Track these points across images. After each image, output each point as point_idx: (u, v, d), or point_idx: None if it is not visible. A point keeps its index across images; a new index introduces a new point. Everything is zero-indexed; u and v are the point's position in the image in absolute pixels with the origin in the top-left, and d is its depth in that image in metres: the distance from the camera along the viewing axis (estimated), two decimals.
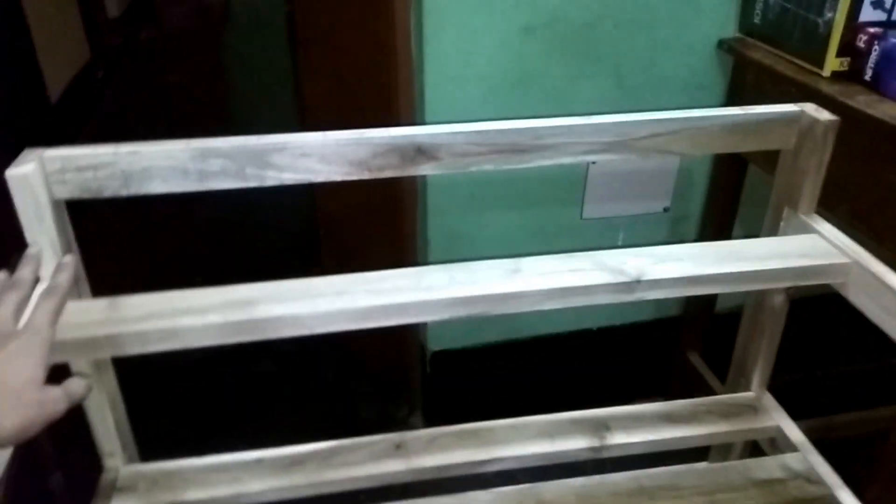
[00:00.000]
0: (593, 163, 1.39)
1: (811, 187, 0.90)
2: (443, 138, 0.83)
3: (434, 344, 1.59)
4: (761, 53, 1.24)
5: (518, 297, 0.78)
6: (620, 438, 0.99)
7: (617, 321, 1.64)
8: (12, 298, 0.61)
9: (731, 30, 1.32)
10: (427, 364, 1.63)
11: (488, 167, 0.85)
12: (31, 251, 0.67)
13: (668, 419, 1.01)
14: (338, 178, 0.83)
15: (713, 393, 1.54)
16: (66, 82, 2.94)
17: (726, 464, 1.01)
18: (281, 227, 2.46)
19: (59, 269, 0.68)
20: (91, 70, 3.30)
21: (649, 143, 0.87)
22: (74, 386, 0.61)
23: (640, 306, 1.65)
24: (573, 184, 1.42)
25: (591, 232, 1.47)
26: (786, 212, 0.94)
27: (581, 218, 1.46)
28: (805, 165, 0.89)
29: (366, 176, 0.84)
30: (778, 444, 1.01)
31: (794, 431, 1.00)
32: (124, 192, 0.79)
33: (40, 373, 0.57)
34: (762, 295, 1.01)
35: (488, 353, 1.60)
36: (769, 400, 1.05)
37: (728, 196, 1.43)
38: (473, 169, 0.85)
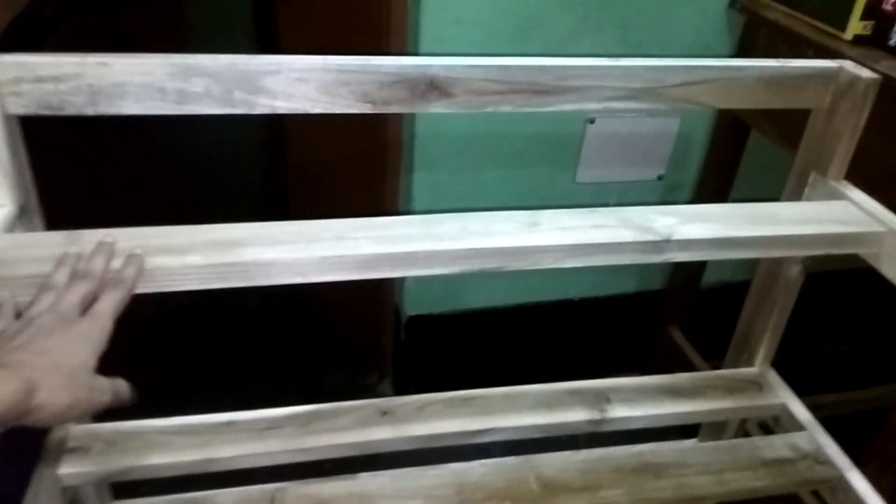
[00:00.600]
0: (592, 122, 1.32)
1: (843, 151, 0.84)
2: (459, 71, 0.74)
3: (410, 308, 1.51)
4: (777, 14, 1.18)
5: (537, 253, 0.70)
6: (621, 411, 0.93)
7: (599, 293, 1.58)
8: (82, 288, 0.60)
9: None
10: (401, 329, 1.55)
11: (506, 108, 0.77)
12: (105, 241, 0.63)
13: (669, 392, 0.96)
14: (338, 110, 0.73)
15: (694, 369, 1.51)
16: (8, 20, 2.72)
17: (734, 441, 0.96)
18: (242, 178, 2.32)
19: (128, 261, 0.62)
20: (38, 7, 3.06)
21: (680, 92, 0.80)
22: (121, 386, 0.60)
23: (623, 278, 1.59)
24: (569, 145, 1.35)
25: (583, 197, 1.41)
26: (812, 177, 0.88)
27: (574, 182, 1.38)
28: (840, 127, 0.83)
29: (368, 110, 0.75)
30: (782, 422, 0.97)
31: (800, 410, 0.96)
32: (90, 111, 0.68)
33: (93, 359, 0.57)
34: (777, 265, 0.96)
35: (467, 319, 1.53)
36: (774, 376, 1.00)
37: (726, 165, 1.38)
38: (489, 109, 0.77)
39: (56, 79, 0.66)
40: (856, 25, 1.06)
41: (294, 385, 1.65)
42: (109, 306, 0.60)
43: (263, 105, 0.72)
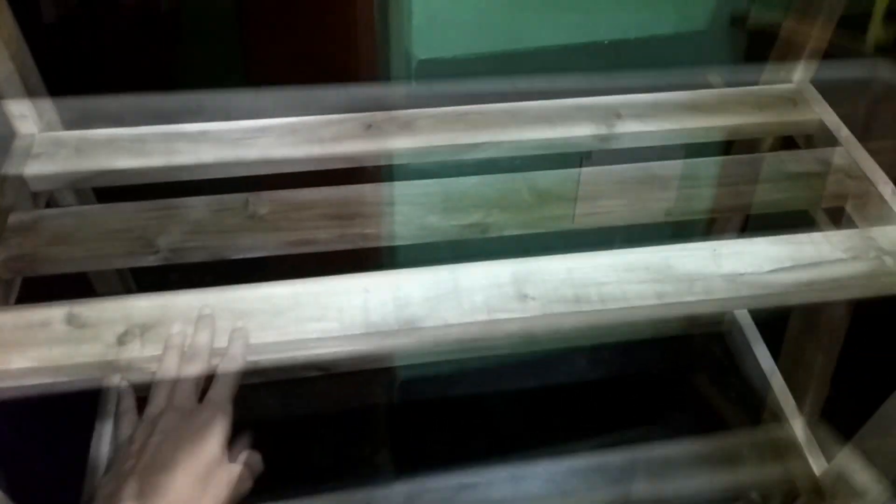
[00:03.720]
0: None
1: None
2: None
3: (404, 371, 1.35)
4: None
5: None
6: (633, 126, 0.85)
7: None
8: (193, 370, 0.57)
9: None
10: (394, 392, 1.36)
11: None
12: (204, 313, 0.61)
13: (690, 108, 0.87)
14: None
15: None
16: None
17: (755, 155, 0.86)
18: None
19: (233, 337, 0.60)
20: None
21: None
22: (253, 462, 0.57)
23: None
24: None
25: None
26: None
27: None
28: None
29: None
30: (816, 140, 0.87)
31: (836, 124, 0.86)
32: None
33: (222, 451, 0.53)
34: None
35: (464, 378, 1.36)
36: (812, 92, 0.90)
37: None
38: None
39: None
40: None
41: (276, 471, 1.31)
42: (225, 390, 0.56)
43: None
